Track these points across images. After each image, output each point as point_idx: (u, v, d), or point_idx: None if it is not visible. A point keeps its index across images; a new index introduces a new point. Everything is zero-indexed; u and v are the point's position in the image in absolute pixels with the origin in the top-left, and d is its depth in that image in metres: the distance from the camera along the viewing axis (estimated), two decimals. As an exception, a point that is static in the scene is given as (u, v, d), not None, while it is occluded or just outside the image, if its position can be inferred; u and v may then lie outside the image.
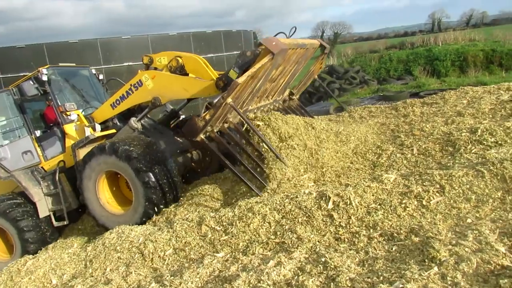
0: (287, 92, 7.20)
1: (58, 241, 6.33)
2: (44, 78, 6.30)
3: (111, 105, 6.41)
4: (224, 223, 4.08)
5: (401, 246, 3.01)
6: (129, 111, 6.53)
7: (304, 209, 3.77)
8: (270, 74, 5.46)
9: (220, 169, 7.07)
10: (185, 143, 6.97)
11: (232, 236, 3.90)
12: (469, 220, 3.16)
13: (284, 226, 3.74)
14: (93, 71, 7.77)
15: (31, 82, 6.29)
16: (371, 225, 3.43)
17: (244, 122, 5.10)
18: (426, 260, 2.65)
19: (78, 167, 6.10)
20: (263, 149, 5.21)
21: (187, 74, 6.06)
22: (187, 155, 6.95)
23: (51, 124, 6.77)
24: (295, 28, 5.90)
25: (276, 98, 6.67)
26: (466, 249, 2.63)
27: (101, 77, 7.82)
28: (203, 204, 5.52)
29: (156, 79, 5.97)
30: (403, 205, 3.50)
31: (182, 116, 7.73)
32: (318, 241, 3.45)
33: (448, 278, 2.38)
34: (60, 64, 7.37)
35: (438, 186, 3.59)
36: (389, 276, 2.56)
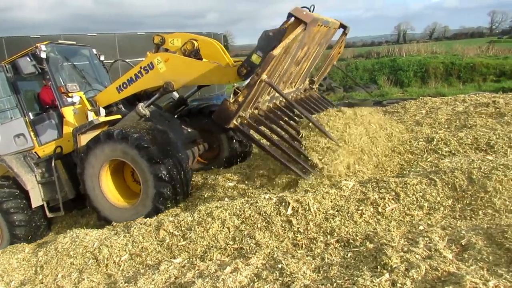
0: (307, 81, 6.93)
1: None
2: (43, 55, 5.74)
3: (117, 88, 5.92)
4: (183, 228, 4.01)
5: (356, 252, 3.05)
6: (134, 96, 6.08)
7: (264, 214, 3.77)
8: (298, 51, 5.10)
9: (229, 163, 6.73)
10: (193, 133, 6.67)
11: (190, 242, 3.84)
12: (421, 227, 3.25)
13: (243, 232, 3.72)
14: (94, 51, 7.18)
15: (28, 58, 5.69)
16: (328, 231, 3.47)
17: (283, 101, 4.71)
18: (378, 267, 2.69)
19: (79, 154, 5.61)
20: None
21: (201, 59, 5.66)
22: (195, 146, 6.63)
23: (47, 107, 6.17)
24: (314, 6, 5.19)
25: (299, 86, 6.35)
26: (417, 256, 2.70)
27: (102, 58, 7.24)
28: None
29: (170, 62, 5.51)
30: (359, 212, 3.57)
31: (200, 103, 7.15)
32: (276, 247, 3.46)
33: (398, 285, 2.43)
34: (60, 41, 6.79)
35: (393, 193, 3.68)
36: (342, 283, 2.59)
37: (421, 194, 3.59)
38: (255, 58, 4.92)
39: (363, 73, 21.97)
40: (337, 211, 3.62)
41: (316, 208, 3.67)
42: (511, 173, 3.47)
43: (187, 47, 5.65)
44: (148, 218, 4.62)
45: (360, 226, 3.45)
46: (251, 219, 3.79)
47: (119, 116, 6.08)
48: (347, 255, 3.06)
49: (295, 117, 5.70)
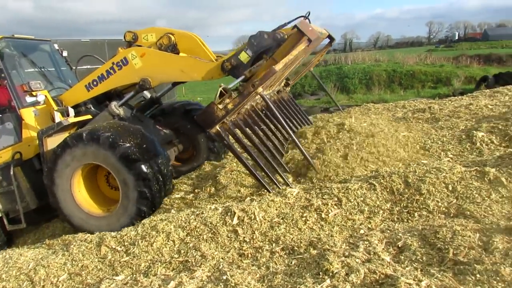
0: (283, 83, 6.73)
1: None
2: None
3: (86, 86, 5.49)
4: (125, 243, 3.87)
5: (300, 259, 3.08)
6: (103, 95, 5.65)
7: (210, 225, 3.72)
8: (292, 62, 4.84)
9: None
10: (169, 133, 6.29)
11: (134, 257, 3.70)
12: (362, 231, 3.35)
13: (188, 244, 3.65)
14: (56, 47, 6.64)
15: None
16: (273, 240, 3.48)
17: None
18: (320, 273, 2.73)
19: (46, 161, 5.09)
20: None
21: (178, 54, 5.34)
22: (171, 148, 6.29)
23: (3, 108, 5.60)
24: (309, 13, 5.10)
25: (275, 88, 6.16)
26: (357, 260, 2.77)
27: (65, 53, 6.70)
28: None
29: (146, 57, 5.14)
30: (304, 219, 3.61)
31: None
32: (222, 258, 3.42)
33: (339, 289, 2.48)
34: (16, 35, 6.12)
35: (336, 199, 3.77)
36: (285, 291, 2.60)
37: (362, 198, 3.71)
38: (243, 57, 4.70)
39: (311, 81, 22.57)
40: (282, 218, 3.65)
41: (262, 217, 3.68)
42: (443, 176, 3.67)
43: (163, 41, 5.32)
44: (89, 235, 4.40)
45: (304, 232, 3.49)
46: (196, 231, 3.73)
47: (89, 117, 5.65)
48: (291, 262, 3.08)
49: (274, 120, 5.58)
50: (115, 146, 4.65)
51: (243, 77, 4.53)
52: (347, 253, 2.90)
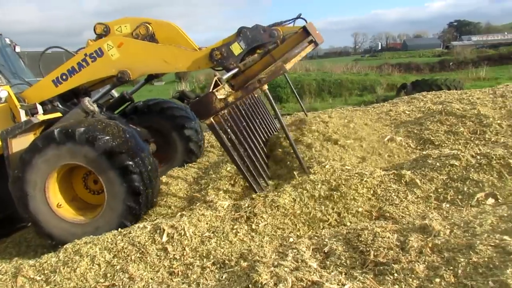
0: None
1: None
2: None
3: (53, 81, 4.99)
4: (46, 271, 3.58)
5: (231, 273, 3.05)
6: (71, 92, 5.16)
7: (138, 245, 3.58)
8: None
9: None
10: (144, 132, 5.83)
11: (55, 285, 3.44)
12: (291, 239, 3.41)
13: (115, 267, 3.46)
14: (8, 41, 6.00)
15: None
16: (204, 255, 3.42)
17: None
18: (250, 285, 2.72)
19: (13, 167, 4.54)
20: None
21: None
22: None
23: None
24: (300, 14, 4.94)
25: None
26: (285, 269, 2.80)
27: (18, 49, 6.08)
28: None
29: (125, 47, 4.76)
30: (234, 231, 3.60)
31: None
32: (151, 278, 3.29)
33: (267, 301, 2.48)
34: None
35: (268, 209, 3.80)
36: (215, 308, 2.56)
37: (290, 205, 3.77)
38: (236, 48, 4.48)
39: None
40: (213, 232, 3.61)
41: (192, 232, 3.61)
42: (365, 180, 3.87)
43: (140, 31, 4.92)
44: (3, 264, 4.02)
45: (235, 245, 3.48)
46: (124, 252, 3.56)
47: (59, 115, 5.15)
48: (222, 277, 3.04)
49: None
50: (94, 141, 4.25)
51: (236, 69, 4.40)
52: (276, 263, 2.92)
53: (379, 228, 3.07)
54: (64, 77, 5.00)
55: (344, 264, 2.79)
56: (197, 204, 4.28)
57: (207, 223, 3.72)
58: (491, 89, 8.53)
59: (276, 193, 3.91)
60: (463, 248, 2.56)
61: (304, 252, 3.00)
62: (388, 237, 2.93)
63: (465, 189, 3.71)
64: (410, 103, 8.68)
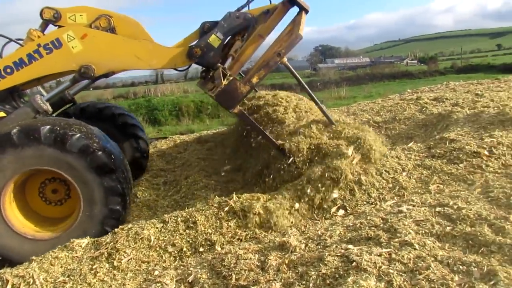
0: None
1: None
2: None
3: None
4: None
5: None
6: (6, 91, 4.40)
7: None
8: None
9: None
10: None
11: None
12: (156, 272, 3.26)
13: None
14: None
15: None
16: (57, 303, 3.06)
17: None
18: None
19: None
20: None
21: None
22: None
23: None
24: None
25: None
26: (147, 306, 2.66)
27: None
28: None
29: (90, 39, 4.26)
30: (93, 271, 3.30)
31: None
32: None
33: None
34: None
35: (129, 244, 3.59)
36: None
37: (154, 237, 3.63)
38: (213, 40, 4.29)
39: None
40: (68, 276, 3.25)
41: (43, 279, 3.21)
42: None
43: (101, 23, 4.41)
44: None
45: (94, 287, 3.19)
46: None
47: (3, 114, 4.40)
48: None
49: None
50: (65, 140, 3.73)
51: (230, 59, 4.35)
52: (137, 301, 2.75)
53: (242, 250, 3.12)
54: (8, 70, 4.31)
55: (207, 292, 2.75)
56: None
57: (61, 266, 3.35)
58: (346, 107, 9.54)
59: (139, 225, 3.72)
60: (315, 261, 2.74)
61: (168, 285, 2.89)
62: (250, 258, 2.99)
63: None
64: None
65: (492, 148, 4.26)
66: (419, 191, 3.91)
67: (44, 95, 5.25)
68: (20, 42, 4.56)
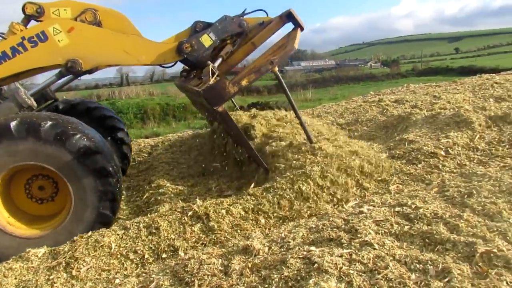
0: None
1: None
2: None
3: None
4: None
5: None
6: None
7: None
8: None
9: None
10: None
11: None
12: (117, 281, 3.16)
13: None
14: None
15: None
16: (11, 317, 2.92)
17: None
18: None
19: None
20: None
21: None
22: None
23: None
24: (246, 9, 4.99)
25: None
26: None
27: None
28: None
29: (77, 33, 4.18)
30: (50, 282, 3.18)
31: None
32: None
33: None
34: None
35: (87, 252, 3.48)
36: None
37: (116, 244, 3.53)
38: (205, 39, 4.37)
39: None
40: (23, 288, 3.12)
41: (-5, 293, 3.06)
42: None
43: (87, 17, 4.33)
44: None
45: (50, 298, 3.06)
46: None
47: None
48: None
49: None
50: (66, 139, 3.63)
51: (220, 60, 4.32)
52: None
53: (205, 255, 3.08)
54: None
55: (169, 299, 2.70)
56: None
57: (15, 278, 3.21)
58: (311, 109, 9.68)
59: (99, 232, 3.61)
60: (277, 264, 2.74)
61: (129, 293, 2.82)
62: (214, 263, 2.96)
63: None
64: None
65: (448, 148, 4.44)
66: (380, 191, 4.01)
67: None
68: (3, 35, 4.42)
